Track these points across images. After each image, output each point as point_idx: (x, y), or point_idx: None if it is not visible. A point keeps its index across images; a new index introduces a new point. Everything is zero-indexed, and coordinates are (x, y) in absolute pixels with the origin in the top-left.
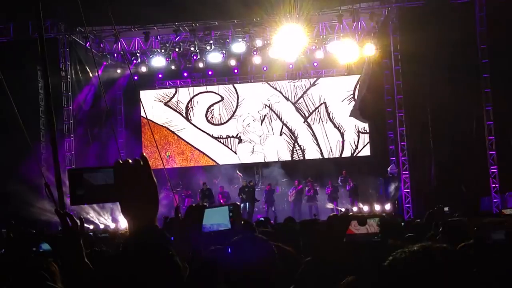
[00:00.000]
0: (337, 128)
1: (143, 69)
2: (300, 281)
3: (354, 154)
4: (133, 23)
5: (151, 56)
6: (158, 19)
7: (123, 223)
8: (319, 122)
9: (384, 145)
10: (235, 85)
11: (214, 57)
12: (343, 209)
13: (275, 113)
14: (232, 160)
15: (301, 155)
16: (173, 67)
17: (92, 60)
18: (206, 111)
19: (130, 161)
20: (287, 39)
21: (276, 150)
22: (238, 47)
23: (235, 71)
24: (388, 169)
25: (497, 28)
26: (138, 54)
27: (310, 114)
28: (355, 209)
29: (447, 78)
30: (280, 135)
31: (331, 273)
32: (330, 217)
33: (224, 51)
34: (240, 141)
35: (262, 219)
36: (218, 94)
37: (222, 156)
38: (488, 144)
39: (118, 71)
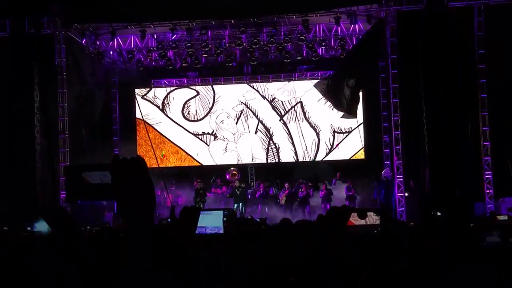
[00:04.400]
0: (313, 127)
1: (139, 67)
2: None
3: (328, 154)
4: (129, 21)
5: (147, 55)
6: (155, 17)
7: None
8: (295, 121)
9: (379, 149)
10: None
11: (210, 56)
12: None
13: (251, 110)
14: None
15: (276, 153)
16: (169, 66)
17: (88, 57)
18: (182, 107)
19: (128, 159)
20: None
21: (250, 148)
22: (235, 47)
23: (231, 71)
24: (382, 172)
25: (495, 33)
26: (134, 52)
27: (286, 112)
28: None
29: (443, 83)
30: (256, 132)
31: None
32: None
33: (220, 51)
34: (215, 137)
35: (258, 220)
36: (194, 90)
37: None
38: (483, 150)
39: (114, 69)
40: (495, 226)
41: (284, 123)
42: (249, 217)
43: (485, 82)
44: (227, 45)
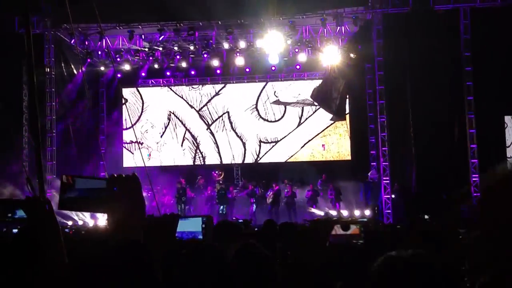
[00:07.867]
0: (239, 137)
1: (127, 67)
2: (283, 285)
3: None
4: (118, 21)
5: (134, 55)
6: (143, 18)
7: (101, 221)
8: (222, 130)
9: (365, 150)
10: (140, 90)
11: (197, 57)
12: (322, 213)
13: (179, 119)
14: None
15: (202, 161)
16: (156, 66)
17: (76, 57)
18: None
19: (124, 176)
20: (270, 41)
21: (173, 157)
22: (221, 48)
23: (218, 71)
24: (369, 174)
25: (481, 36)
26: (122, 52)
27: (214, 121)
28: (334, 213)
29: (430, 85)
30: (183, 141)
31: (313, 276)
32: (314, 221)
33: (207, 52)
34: (141, 145)
35: (241, 221)
36: (123, 97)
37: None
38: (470, 152)
39: (102, 68)
40: None
41: (211, 132)
42: (234, 218)
43: (472, 85)
44: (213, 45)
